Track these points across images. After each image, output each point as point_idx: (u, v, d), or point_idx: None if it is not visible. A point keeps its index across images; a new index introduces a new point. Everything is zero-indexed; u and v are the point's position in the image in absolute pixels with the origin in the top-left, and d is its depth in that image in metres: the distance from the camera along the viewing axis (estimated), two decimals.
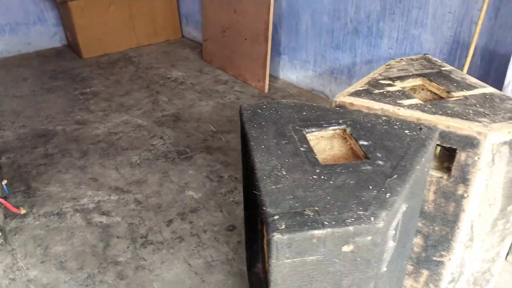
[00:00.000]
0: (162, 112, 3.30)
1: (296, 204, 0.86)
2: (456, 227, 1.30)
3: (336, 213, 0.84)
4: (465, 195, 1.24)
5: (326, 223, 0.81)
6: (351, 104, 1.33)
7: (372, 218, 0.82)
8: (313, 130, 1.18)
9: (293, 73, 3.63)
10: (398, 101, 1.32)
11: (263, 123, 1.20)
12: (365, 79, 1.51)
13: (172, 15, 5.07)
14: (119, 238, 1.93)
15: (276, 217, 0.83)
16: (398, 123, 1.17)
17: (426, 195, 1.31)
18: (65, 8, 4.54)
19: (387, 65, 1.63)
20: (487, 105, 1.27)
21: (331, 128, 1.18)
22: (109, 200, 2.20)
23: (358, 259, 0.86)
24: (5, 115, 3.35)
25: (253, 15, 3.48)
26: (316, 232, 0.80)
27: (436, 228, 1.34)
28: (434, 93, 1.44)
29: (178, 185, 2.32)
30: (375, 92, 1.39)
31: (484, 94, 1.34)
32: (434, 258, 1.39)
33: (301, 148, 1.07)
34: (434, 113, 1.24)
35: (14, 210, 2.00)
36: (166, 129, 3.00)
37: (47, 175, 2.48)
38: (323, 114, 1.25)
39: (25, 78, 4.15)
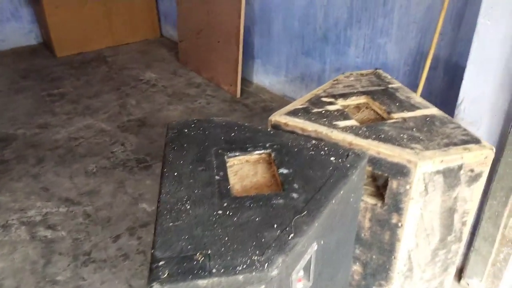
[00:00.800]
0: (128, 117, 3.21)
1: (189, 246, 0.79)
2: (393, 256, 1.24)
3: (229, 258, 0.77)
4: (399, 224, 1.18)
5: (214, 271, 0.74)
6: (286, 124, 1.27)
7: (265, 265, 0.75)
8: (237, 154, 1.11)
9: (266, 78, 3.56)
10: (334, 122, 1.26)
11: (185, 145, 1.13)
12: (308, 96, 1.44)
13: (150, 13, 4.96)
14: (61, 255, 1.85)
15: (161, 262, 0.76)
16: (326, 148, 1.10)
17: (362, 222, 1.24)
18: (38, 5, 4.42)
19: (334, 80, 1.56)
20: (425, 129, 1.21)
21: (256, 152, 1.11)
22: (57, 212, 2.12)
23: None
24: None
25: (225, 17, 3.39)
26: (201, 282, 0.73)
27: (374, 257, 1.28)
28: (377, 112, 1.38)
29: (132, 197, 2.24)
30: (313, 111, 1.32)
31: (425, 116, 1.28)
32: (373, 287, 1.33)
33: (216, 176, 1.00)
34: (367, 137, 1.17)
35: None
36: (129, 135, 2.92)
37: None
38: (253, 135, 1.18)
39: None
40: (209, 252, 0.78)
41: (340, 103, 1.40)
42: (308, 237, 0.84)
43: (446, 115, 1.29)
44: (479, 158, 1.12)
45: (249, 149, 1.12)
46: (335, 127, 1.23)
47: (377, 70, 1.64)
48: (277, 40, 3.25)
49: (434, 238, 1.25)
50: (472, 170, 1.14)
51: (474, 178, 1.16)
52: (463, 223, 1.25)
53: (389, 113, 1.31)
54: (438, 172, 1.10)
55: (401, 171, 1.10)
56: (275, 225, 0.85)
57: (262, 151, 1.11)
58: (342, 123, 1.25)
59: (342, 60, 2.72)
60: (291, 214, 0.88)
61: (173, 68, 4.17)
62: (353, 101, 1.43)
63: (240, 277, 0.74)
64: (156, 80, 3.92)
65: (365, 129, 1.22)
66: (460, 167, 1.12)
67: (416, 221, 1.18)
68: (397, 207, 1.16)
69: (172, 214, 0.87)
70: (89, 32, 4.65)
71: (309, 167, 1.04)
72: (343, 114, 1.31)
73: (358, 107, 1.44)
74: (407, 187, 1.11)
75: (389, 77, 1.58)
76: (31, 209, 2.16)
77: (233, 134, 1.19)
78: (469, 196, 1.20)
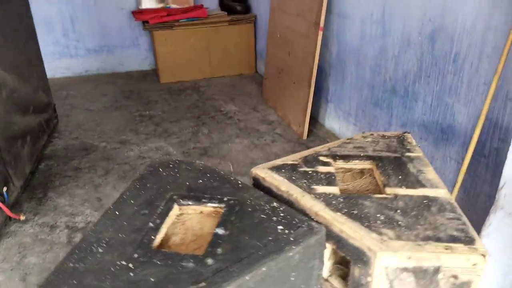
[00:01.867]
0: (195, 144, 3.38)
1: None
2: None
3: None
4: None
5: None
6: (264, 179, 1.19)
7: None
8: (190, 203, 1.07)
9: (337, 123, 3.42)
10: (314, 186, 1.14)
11: (148, 185, 1.13)
12: (307, 152, 1.34)
13: (248, 50, 5.23)
14: None
15: None
16: (282, 215, 1.00)
17: None
18: (151, 36, 5.02)
19: (349, 139, 1.43)
20: (414, 213, 1.02)
21: (210, 204, 1.06)
22: None
23: None
24: (69, 126, 3.78)
25: (301, 59, 3.40)
26: None
27: None
28: (376, 183, 1.21)
29: None
30: (301, 169, 1.22)
31: (424, 198, 1.08)
32: None
33: (151, 224, 0.98)
34: (337, 211, 1.03)
35: (12, 215, 2.22)
36: None
37: (65, 187, 2.70)
38: (219, 185, 1.13)
39: (105, 94, 4.65)
40: None
41: (339, 165, 1.27)
42: None
43: (452, 201, 1.07)
44: (463, 263, 0.89)
45: (203, 200, 1.07)
46: (311, 192, 1.11)
47: (405, 134, 1.45)
48: (349, 86, 3.12)
49: None
50: (455, 277, 0.91)
51: (459, 287, 0.92)
52: None
53: (385, 185, 1.14)
54: (406, 269, 0.91)
55: (362, 258, 0.94)
56: None
57: (216, 205, 1.06)
58: (321, 189, 1.13)
59: (408, 115, 2.47)
60: (188, 282, 0.81)
61: (254, 103, 4.28)
62: (355, 165, 1.28)
63: None
64: (235, 112, 4.07)
65: (341, 199, 1.08)
66: (437, 270, 0.90)
67: None
68: None
69: (80, 254, 0.88)
70: (190, 63, 5.09)
71: (249, 233, 0.95)
72: (329, 179, 1.18)
73: (361, 173, 1.28)
74: (368, 278, 0.94)
75: (414, 143, 1.38)
76: (79, 215, 2.39)
77: (201, 180, 1.16)
78: None
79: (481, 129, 1.67)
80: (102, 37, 5.32)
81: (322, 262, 0.99)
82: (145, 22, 4.83)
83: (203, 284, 0.80)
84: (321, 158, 1.30)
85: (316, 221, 1.01)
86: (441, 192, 1.10)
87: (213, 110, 4.14)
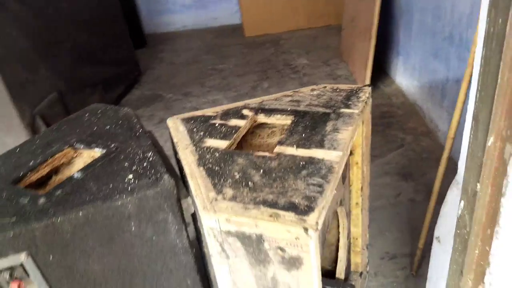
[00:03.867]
0: (250, 98, 3.37)
1: None
2: None
3: None
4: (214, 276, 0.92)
5: None
6: (171, 129, 1.15)
7: None
8: (82, 147, 1.11)
9: (404, 79, 3.01)
10: (205, 139, 1.05)
11: (64, 127, 1.20)
12: (236, 104, 1.23)
13: (336, 0, 4.85)
14: None
15: None
16: (145, 165, 0.97)
17: None
18: None
19: (295, 91, 1.26)
20: (279, 174, 0.87)
21: (97, 149, 1.08)
22: None
23: None
24: (150, 78, 4.13)
25: (367, 6, 3.02)
26: None
27: None
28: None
29: None
30: (212, 121, 1.14)
31: (309, 159, 0.91)
32: None
33: (31, 162, 1.05)
34: (202, 165, 0.94)
35: None
36: None
37: None
38: (121, 133, 1.14)
39: (191, 48, 4.91)
40: None
41: (259, 120, 1.14)
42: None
43: (335, 166, 0.87)
44: (286, 235, 0.74)
45: (93, 145, 1.10)
46: (197, 144, 1.04)
47: (362, 88, 1.21)
48: (414, 36, 2.68)
49: None
50: (282, 250, 0.76)
51: (291, 263, 0.77)
52: None
53: (279, 143, 0.99)
54: (230, 233, 0.80)
55: (198, 217, 0.86)
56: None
57: (99, 150, 1.08)
58: (211, 142, 1.04)
59: (463, 68, 2.03)
60: (5, 216, 0.86)
61: (328, 57, 4.02)
62: (276, 120, 1.13)
63: None
64: (303, 67, 3.90)
65: (217, 155, 0.98)
66: (260, 238, 0.77)
67: (230, 287, 0.90)
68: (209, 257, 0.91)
69: None
70: (276, 16, 4.97)
71: (100, 179, 0.95)
72: (228, 133, 1.07)
73: (283, 130, 1.13)
74: (204, 238, 0.86)
75: (363, 98, 1.15)
76: None
77: (109, 127, 1.18)
78: (296, 285, 0.81)
79: None
80: None
81: (176, 215, 0.93)
82: None
83: (8, 219, 0.84)
84: (244, 111, 1.18)
85: (175, 175, 0.95)
86: (333, 155, 0.91)
87: (283, 64, 4.03)
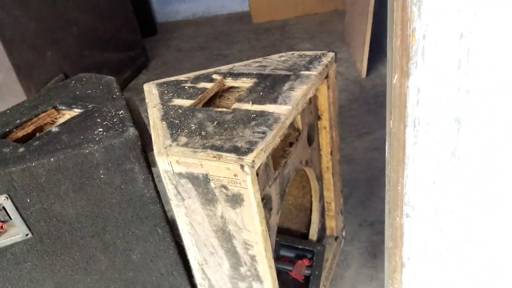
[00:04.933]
0: None
1: None
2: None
3: None
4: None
5: None
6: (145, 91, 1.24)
7: None
8: (63, 108, 1.21)
9: None
10: (173, 99, 1.14)
11: (51, 92, 1.31)
12: (208, 70, 1.32)
13: None
14: None
15: None
16: (115, 120, 1.06)
17: None
18: None
19: (264, 58, 1.33)
20: (230, 125, 0.95)
21: (76, 110, 1.18)
22: None
23: None
24: (157, 64, 4.25)
25: None
26: None
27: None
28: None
29: None
30: (182, 85, 1.23)
31: (261, 112, 0.98)
32: None
33: (18, 121, 1.16)
34: (164, 120, 1.03)
35: None
36: None
37: None
38: (100, 95, 1.24)
39: (199, 35, 5.01)
40: None
41: (226, 83, 1.23)
42: None
43: (283, 118, 0.95)
44: (226, 173, 0.82)
45: (73, 106, 1.20)
46: (165, 103, 1.13)
47: (327, 53, 1.27)
48: None
49: (222, 261, 1.00)
50: (225, 187, 0.84)
51: (234, 200, 0.85)
52: (252, 258, 0.93)
53: (238, 101, 1.07)
54: (182, 175, 0.88)
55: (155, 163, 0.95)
56: None
57: (79, 110, 1.18)
58: (177, 102, 1.13)
59: None
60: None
61: (331, 41, 4.05)
62: (241, 83, 1.21)
63: None
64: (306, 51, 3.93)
65: (180, 111, 1.06)
66: (206, 178, 0.85)
67: (187, 229, 0.99)
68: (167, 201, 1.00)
69: None
70: (282, 2, 5.00)
71: (73, 133, 1.05)
72: (195, 94, 1.16)
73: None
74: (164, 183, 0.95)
75: (325, 62, 1.21)
76: None
77: (90, 91, 1.28)
78: (241, 223, 0.89)
79: None
80: None
81: (142, 165, 1.03)
82: None
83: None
84: (214, 75, 1.26)
85: (144, 130, 1.05)
86: (282, 109, 0.98)
87: (286, 48, 4.07)
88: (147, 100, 1.17)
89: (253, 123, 0.94)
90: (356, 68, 3.32)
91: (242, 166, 0.80)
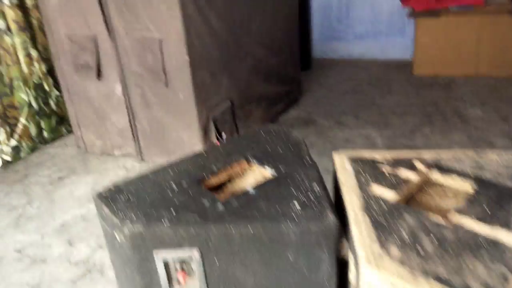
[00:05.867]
0: (407, 141, 3.20)
1: None
2: None
3: None
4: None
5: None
6: (335, 163, 1.18)
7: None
8: (255, 161, 1.21)
9: None
10: (372, 184, 1.04)
11: (244, 141, 1.34)
12: (409, 153, 1.19)
13: None
14: None
15: None
16: (310, 196, 1.01)
17: None
18: (414, 23, 4.85)
19: (478, 152, 1.15)
20: (456, 249, 0.80)
21: (267, 167, 1.17)
22: None
23: None
24: (308, 101, 4.27)
25: None
26: None
27: None
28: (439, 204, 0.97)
29: None
30: (379, 166, 1.12)
31: (494, 241, 0.81)
32: None
33: (213, 166, 1.19)
34: (368, 213, 0.93)
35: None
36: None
37: None
38: (289, 156, 1.21)
39: (353, 78, 4.94)
40: None
41: (432, 177, 1.09)
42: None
43: None
44: None
45: (263, 163, 1.19)
46: (363, 188, 1.04)
47: None
48: None
49: None
50: None
51: None
52: None
53: (459, 212, 0.92)
54: None
55: (358, 264, 0.85)
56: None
57: (270, 171, 1.16)
58: (378, 190, 1.02)
59: None
60: (194, 213, 0.98)
61: (508, 113, 3.57)
62: (454, 182, 1.05)
63: None
64: (476, 119, 3.54)
65: (385, 205, 0.95)
66: None
67: None
68: None
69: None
70: (451, 57, 4.66)
71: (269, 199, 1.02)
72: (397, 183, 1.04)
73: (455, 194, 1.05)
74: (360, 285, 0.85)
75: None
76: None
77: (280, 148, 1.26)
78: None
79: None
80: (371, 23, 5.52)
81: (331, 256, 0.94)
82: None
83: (193, 216, 0.96)
84: (416, 163, 1.13)
85: (337, 216, 0.97)
86: None
87: (450, 111, 3.72)
88: (341, 179, 1.10)
89: (485, 255, 0.78)
90: None
91: None
